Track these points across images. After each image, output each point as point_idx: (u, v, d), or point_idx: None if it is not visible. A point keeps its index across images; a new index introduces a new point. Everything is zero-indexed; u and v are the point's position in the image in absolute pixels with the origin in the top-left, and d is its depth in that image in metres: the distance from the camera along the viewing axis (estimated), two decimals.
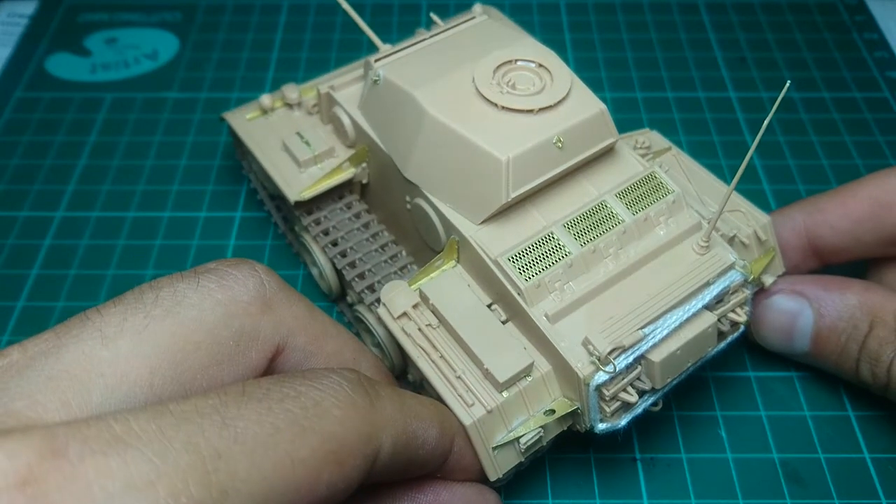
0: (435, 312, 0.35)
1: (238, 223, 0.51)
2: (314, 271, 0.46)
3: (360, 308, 0.41)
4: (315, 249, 0.44)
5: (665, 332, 0.34)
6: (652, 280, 0.35)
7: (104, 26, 0.67)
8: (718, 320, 0.35)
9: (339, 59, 0.63)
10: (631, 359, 0.33)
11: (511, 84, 0.37)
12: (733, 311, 0.36)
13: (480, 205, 0.36)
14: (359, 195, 0.44)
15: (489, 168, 0.35)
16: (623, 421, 0.34)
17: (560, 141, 0.35)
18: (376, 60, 0.39)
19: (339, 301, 0.46)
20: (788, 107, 0.60)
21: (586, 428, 0.34)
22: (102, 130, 0.58)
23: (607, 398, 0.33)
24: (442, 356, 0.34)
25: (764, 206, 0.52)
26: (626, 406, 0.34)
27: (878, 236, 0.38)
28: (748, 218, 0.40)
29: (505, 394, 0.33)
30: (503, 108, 0.36)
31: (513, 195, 0.35)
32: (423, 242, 0.40)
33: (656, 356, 0.33)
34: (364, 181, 0.43)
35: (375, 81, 0.39)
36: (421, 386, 0.38)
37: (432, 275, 0.37)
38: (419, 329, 0.35)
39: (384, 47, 0.41)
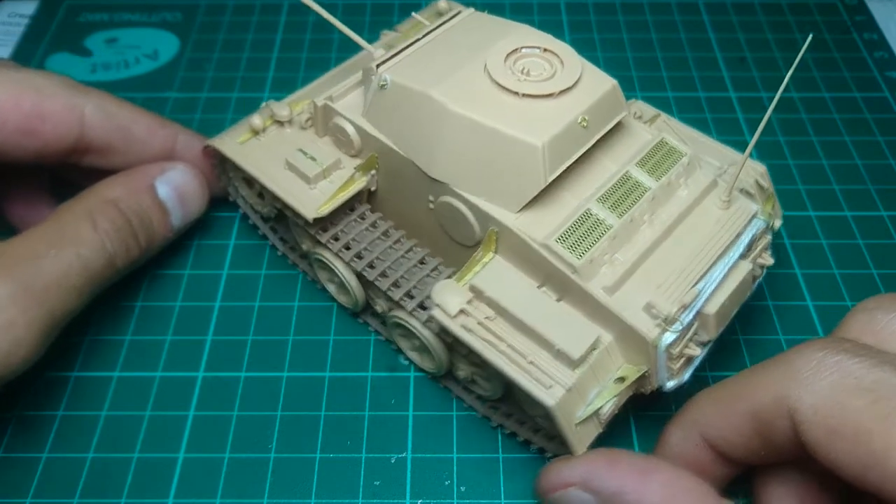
0: (490, 304, 0.36)
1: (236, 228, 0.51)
2: (331, 288, 0.45)
3: (400, 315, 0.41)
4: (338, 265, 0.43)
5: (713, 286, 0.36)
6: (687, 240, 0.38)
7: (104, 26, 0.67)
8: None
9: (340, 59, 0.62)
10: (691, 315, 0.35)
11: (525, 71, 0.38)
12: (760, 256, 0.39)
13: (517, 193, 0.36)
14: (368, 204, 0.44)
15: (524, 155, 0.35)
16: (687, 374, 0.36)
17: (585, 120, 0.36)
18: (378, 66, 0.39)
19: (363, 313, 0.45)
20: (788, 107, 0.60)
21: (654, 388, 0.36)
22: None
23: (674, 356, 0.35)
24: (509, 345, 0.35)
25: None
26: (688, 360, 0.36)
27: (767, 450, 0.33)
28: (747, 169, 0.42)
29: (578, 370, 0.34)
30: (524, 95, 0.36)
31: (550, 179, 0.36)
32: (448, 241, 0.40)
33: (710, 309, 0.36)
34: (372, 189, 0.43)
35: (382, 86, 0.38)
36: (473, 381, 0.40)
37: (475, 269, 0.37)
38: (479, 323, 0.35)
39: (377, 52, 0.41)
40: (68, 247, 0.37)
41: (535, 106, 0.36)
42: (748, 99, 0.60)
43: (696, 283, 0.36)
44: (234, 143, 0.44)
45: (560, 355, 0.34)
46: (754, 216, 0.39)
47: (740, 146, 0.57)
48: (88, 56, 0.64)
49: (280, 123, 0.44)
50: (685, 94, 0.61)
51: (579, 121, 0.36)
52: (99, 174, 0.44)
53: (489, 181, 0.37)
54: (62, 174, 0.47)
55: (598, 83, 0.38)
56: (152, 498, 0.39)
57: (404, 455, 0.40)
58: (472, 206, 0.37)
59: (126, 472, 0.40)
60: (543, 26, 0.68)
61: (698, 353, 0.36)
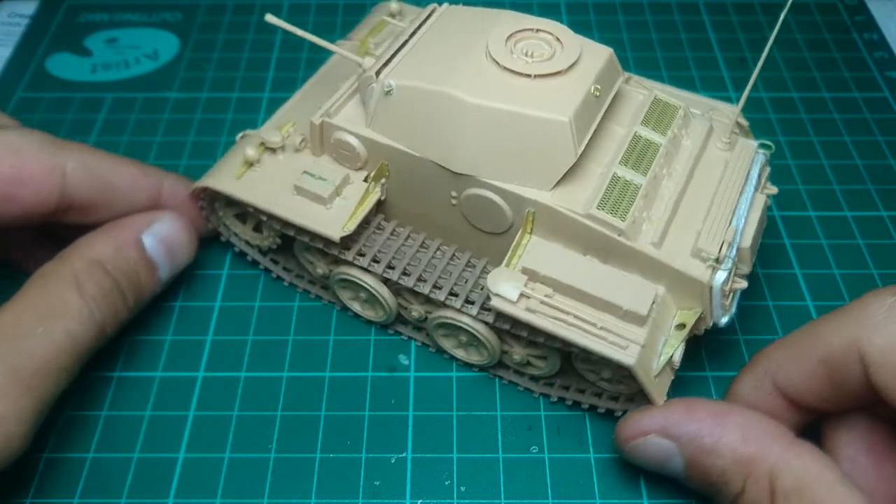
0: (546, 282, 0.37)
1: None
2: (355, 306, 0.45)
3: (446, 314, 0.40)
4: (368, 280, 0.42)
5: (743, 221, 0.38)
6: (706, 185, 0.40)
7: (104, 26, 0.67)
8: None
9: None
10: (734, 251, 0.37)
11: (529, 54, 0.38)
12: (766, 187, 0.42)
13: (549, 171, 0.37)
14: (382, 214, 0.43)
15: (553, 133, 0.36)
16: (734, 307, 0.38)
17: (597, 89, 0.38)
18: (377, 73, 0.39)
19: (394, 324, 0.45)
20: (788, 107, 0.60)
21: (708, 327, 0.37)
22: (103, 130, 0.58)
23: (726, 293, 0.36)
24: (575, 317, 0.36)
25: None
26: (733, 295, 0.38)
27: (838, 396, 0.35)
28: (724, 112, 0.44)
29: (646, 326, 0.36)
30: (537, 76, 0.37)
31: (580, 151, 0.37)
32: (474, 233, 0.41)
33: (745, 242, 0.38)
34: (382, 198, 0.42)
35: (388, 93, 0.38)
36: (528, 363, 0.41)
37: (520, 252, 0.38)
38: (541, 303, 0.36)
39: (366, 61, 0.40)
40: (56, 321, 0.35)
41: (548, 85, 0.37)
42: (748, 99, 0.60)
43: (730, 222, 0.38)
44: (231, 180, 0.42)
45: (627, 315, 0.36)
46: (755, 152, 0.41)
47: None
48: (88, 56, 0.64)
49: (272, 150, 0.43)
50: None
51: (592, 91, 0.37)
52: (82, 228, 0.41)
53: (518, 165, 0.37)
54: (44, 228, 0.44)
55: (599, 53, 0.39)
56: (152, 498, 0.39)
57: (404, 455, 0.40)
58: (503, 193, 0.38)
59: (126, 472, 0.40)
60: None
61: (744, 284, 0.38)
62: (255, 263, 0.47)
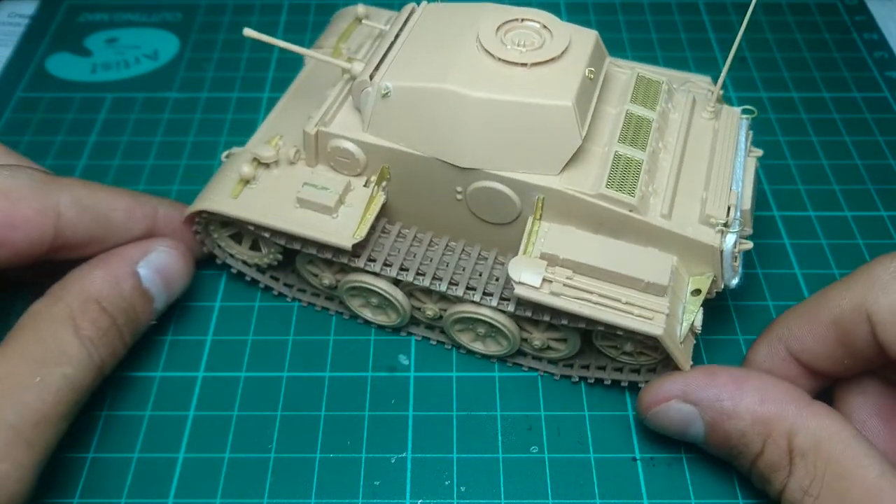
0: (566, 264, 0.37)
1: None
2: (366, 312, 0.44)
3: (465, 309, 0.40)
4: (381, 285, 0.41)
5: (740, 184, 0.40)
6: (700, 154, 0.41)
7: (104, 26, 0.67)
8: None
9: None
10: (738, 213, 0.38)
11: (520, 43, 0.39)
12: (752, 149, 0.43)
13: (556, 156, 0.38)
14: (385, 217, 0.43)
15: (557, 119, 0.37)
16: (740, 268, 0.39)
17: (591, 72, 0.39)
18: (370, 77, 0.39)
19: (408, 326, 0.45)
20: (788, 107, 0.60)
21: (720, 290, 0.39)
22: (102, 130, 0.58)
23: (735, 255, 0.38)
24: (599, 295, 0.36)
25: (765, 206, 0.52)
26: (739, 256, 0.39)
27: (849, 358, 0.36)
28: (697, 83, 0.46)
29: (666, 295, 0.37)
30: (533, 64, 0.38)
31: (584, 133, 0.37)
32: (481, 226, 0.41)
33: (745, 205, 0.39)
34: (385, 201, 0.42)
35: (385, 95, 0.38)
36: (548, 347, 0.42)
37: (533, 239, 0.38)
38: (564, 285, 0.37)
39: (355, 66, 0.40)
40: (54, 367, 0.34)
41: (544, 72, 0.38)
42: (748, 99, 0.60)
43: (730, 187, 0.39)
44: (228, 200, 0.41)
45: (650, 287, 0.36)
46: (740, 117, 0.43)
47: None
48: (88, 56, 0.64)
49: (266, 166, 0.42)
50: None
51: (587, 74, 0.38)
52: (75, 261, 0.40)
53: (524, 153, 0.37)
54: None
55: (586, 37, 0.40)
56: (152, 498, 0.39)
57: (404, 455, 0.40)
58: (511, 183, 0.38)
59: (126, 472, 0.40)
60: None
61: (750, 245, 0.39)
62: (254, 282, 0.47)
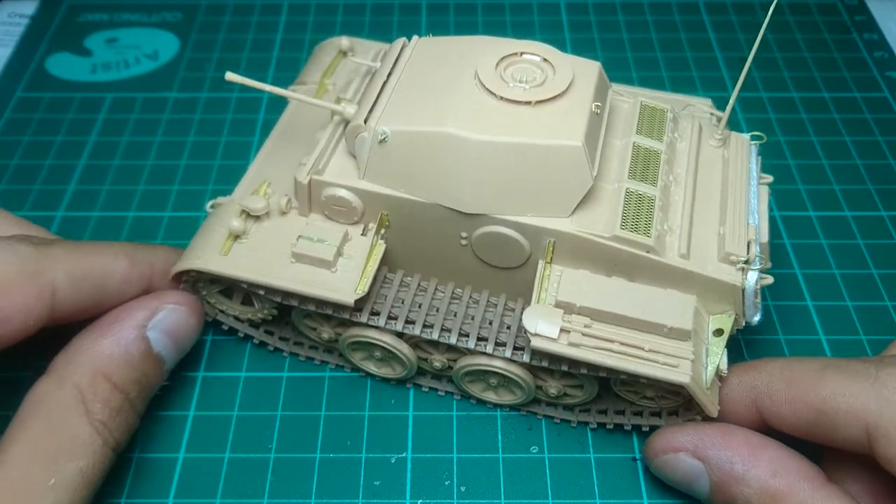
0: (583, 312, 0.35)
1: None
2: (369, 366, 0.42)
3: (477, 361, 0.38)
4: (386, 339, 0.39)
5: (756, 217, 0.38)
6: (712, 186, 0.40)
7: (104, 26, 0.67)
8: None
9: None
10: (758, 249, 0.37)
11: (522, 80, 0.37)
12: (762, 176, 0.41)
13: (566, 197, 0.36)
14: (385, 265, 0.41)
15: (567, 159, 0.35)
16: (761, 303, 0.37)
17: (598, 107, 0.37)
18: (365, 122, 0.36)
19: (414, 377, 0.42)
20: (788, 107, 0.60)
21: (741, 327, 0.37)
22: (102, 130, 0.58)
23: (756, 291, 0.36)
24: (620, 344, 0.35)
25: None
26: (760, 291, 0.37)
27: (822, 439, 0.34)
28: (699, 108, 0.44)
29: (690, 339, 0.35)
30: (537, 102, 0.36)
31: (595, 173, 0.36)
32: (487, 270, 0.39)
33: (763, 238, 0.38)
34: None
35: (382, 140, 0.36)
36: (564, 394, 0.39)
37: (546, 285, 0.36)
38: (583, 335, 0.35)
39: (347, 109, 0.38)
40: (67, 463, 0.32)
41: (549, 110, 0.36)
42: (748, 99, 0.60)
43: (748, 221, 0.38)
44: (218, 258, 0.38)
45: (672, 332, 0.35)
46: (749, 144, 0.42)
47: None
48: (88, 56, 0.64)
49: (256, 218, 0.39)
50: (685, 93, 0.61)
51: (594, 109, 0.36)
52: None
53: (533, 196, 0.36)
54: None
55: (589, 69, 0.38)
56: (152, 498, 0.39)
57: (404, 455, 0.40)
58: (520, 227, 0.36)
59: (126, 472, 0.40)
60: (543, 26, 0.68)
61: (770, 279, 0.37)
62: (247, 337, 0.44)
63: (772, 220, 0.51)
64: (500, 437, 0.41)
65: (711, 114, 0.44)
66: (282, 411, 0.42)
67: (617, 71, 0.63)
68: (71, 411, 0.33)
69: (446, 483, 0.39)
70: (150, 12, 0.68)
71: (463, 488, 0.39)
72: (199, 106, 0.60)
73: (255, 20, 0.67)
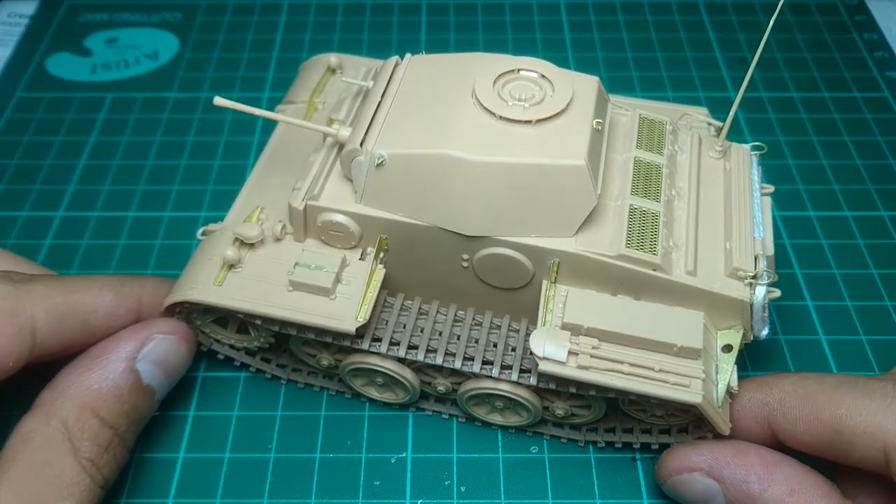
0: (591, 333, 0.35)
1: None
2: (371, 391, 0.41)
3: (486, 385, 0.38)
4: (389, 365, 0.38)
5: (761, 230, 0.38)
6: (715, 199, 0.39)
7: (104, 26, 0.67)
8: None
9: None
10: (765, 263, 0.36)
11: (520, 98, 0.36)
12: (763, 186, 0.41)
13: (570, 217, 0.35)
14: (385, 289, 0.40)
15: (570, 178, 0.34)
16: (768, 317, 0.37)
17: (599, 123, 0.36)
18: (361, 145, 0.35)
19: (417, 402, 0.42)
20: (788, 107, 0.60)
21: (748, 342, 0.37)
22: (102, 130, 0.58)
23: (764, 306, 0.36)
24: (630, 365, 0.34)
25: None
26: (768, 305, 0.37)
27: (836, 459, 0.34)
28: (696, 117, 0.44)
29: (700, 358, 0.34)
30: (538, 121, 0.35)
31: (599, 192, 0.35)
32: (489, 291, 0.38)
33: (769, 250, 0.37)
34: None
35: (380, 164, 0.35)
36: (571, 414, 0.39)
37: (551, 307, 0.36)
38: (592, 357, 0.34)
39: (341, 132, 0.37)
40: None
41: (550, 128, 0.35)
42: (748, 99, 0.60)
43: (753, 234, 0.37)
44: (213, 288, 0.37)
45: (682, 351, 0.34)
46: (749, 154, 0.41)
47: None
48: (88, 56, 0.64)
49: (250, 245, 0.38)
50: (685, 93, 0.61)
51: (595, 126, 0.36)
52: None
53: (536, 217, 0.35)
54: None
55: (588, 85, 0.37)
56: (152, 498, 0.39)
57: (404, 455, 0.40)
58: (523, 248, 0.36)
59: (126, 472, 0.40)
60: (543, 26, 0.68)
61: (778, 293, 0.36)
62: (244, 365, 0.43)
63: (772, 220, 0.51)
64: (500, 437, 0.41)
65: (709, 123, 0.43)
66: (282, 411, 0.42)
67: (617, 71, 0.63)
68: (57, 449, 0.32)
69: (446, 483, 0.39)
70: (150, 12, 0.68)
71: (463, 488, 0.39)
72: (199, 106, 0.60)
73: (255, 20, 0.67)
